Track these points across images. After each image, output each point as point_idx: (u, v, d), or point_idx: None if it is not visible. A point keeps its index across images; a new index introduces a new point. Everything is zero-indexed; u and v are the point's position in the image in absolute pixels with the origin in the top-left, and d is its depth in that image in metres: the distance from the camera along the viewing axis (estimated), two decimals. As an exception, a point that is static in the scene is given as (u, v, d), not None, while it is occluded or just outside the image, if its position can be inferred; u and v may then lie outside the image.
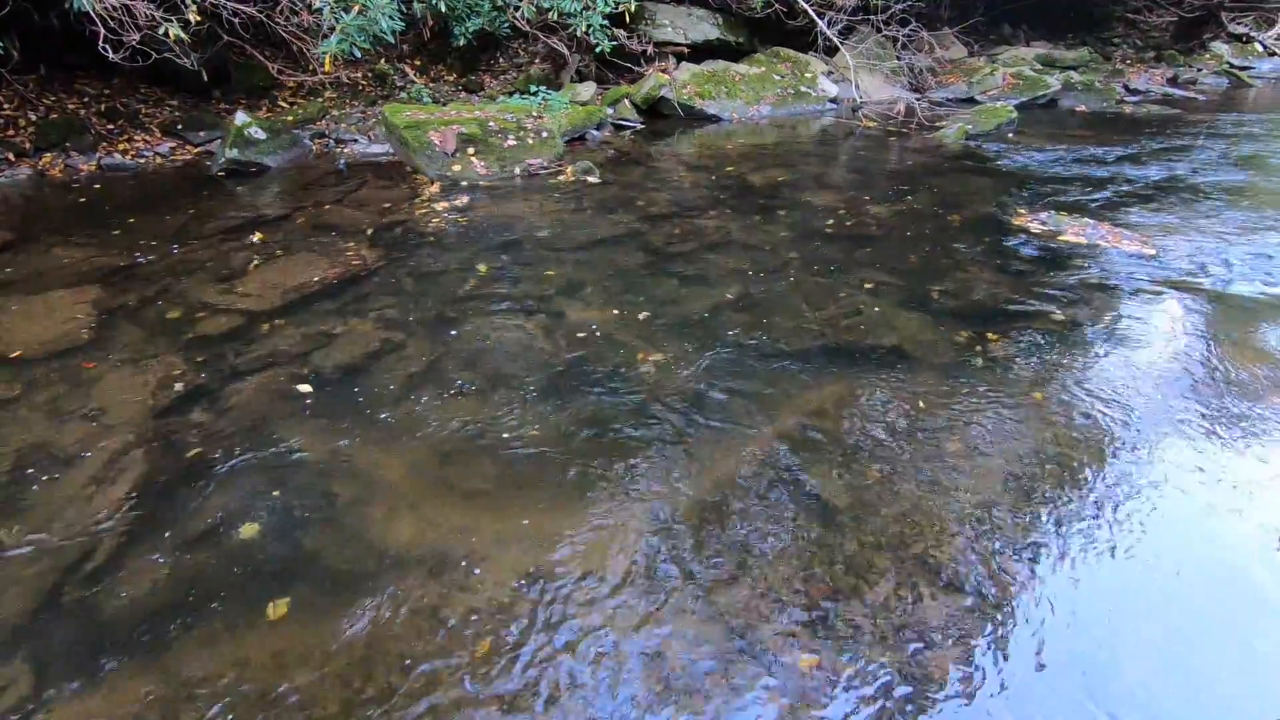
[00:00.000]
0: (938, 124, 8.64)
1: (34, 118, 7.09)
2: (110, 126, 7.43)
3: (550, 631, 2.21)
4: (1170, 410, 3.27)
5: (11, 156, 6.72)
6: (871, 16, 9.60)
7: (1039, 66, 11.27)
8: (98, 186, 6.35)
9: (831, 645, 2.18)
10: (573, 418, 3.20)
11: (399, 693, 2.02)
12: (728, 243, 5.12)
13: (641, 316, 4.06)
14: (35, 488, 2.74)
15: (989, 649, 2.18)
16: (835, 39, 9.31)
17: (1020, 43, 13.83)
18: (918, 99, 9.45)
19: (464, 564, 2.45)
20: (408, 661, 2.11)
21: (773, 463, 2.93)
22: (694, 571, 2.43)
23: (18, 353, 3.63)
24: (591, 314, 4.08)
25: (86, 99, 7.56)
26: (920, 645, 2.18)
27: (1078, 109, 10.12)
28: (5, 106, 7.07)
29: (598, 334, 3.86)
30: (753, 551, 2.51)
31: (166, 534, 2.55)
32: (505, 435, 3.09)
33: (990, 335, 3.82)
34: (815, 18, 9.22)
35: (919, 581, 2.40)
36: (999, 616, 2.29)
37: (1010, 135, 8.32)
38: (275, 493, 2.75)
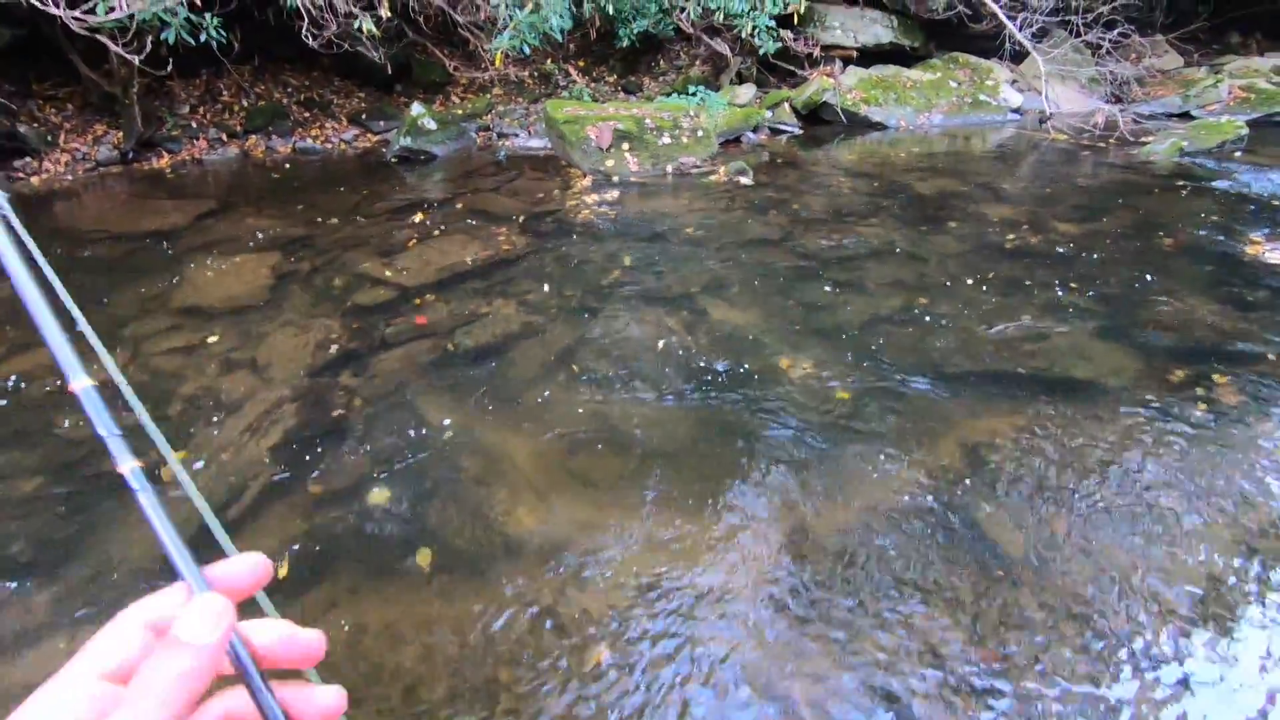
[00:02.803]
0: (1143, 139, 7.60)
1: (245, 104, 7.92)
2: (306, 114, 8.16)
3: (664, 653, 2.00)
4: None
5: (225, 137, 7.54)
6: (1071, 19, 8.63)
7: (1278, 79, 9.66)
8: (288, 166, 6.95)
9: (1002, 725, 1.80)
10: (707, 421, 2.98)
11: (503, 689, 1.89)
12: (889, 252, 4.69)
13: (789, 322, 3.77)
14: (199, 429, 2.92)
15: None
16: (1027, 42, 8.46)
17: (1251, 53, 11.99)
18: (1120, 111, 8.36)
19: (582, 561, 2.30)
20: (517, 658, 1.98)
21: (932, 496, 2.55)
22: (831, 608, 2.13)
23: (207, 305, 3.96)
24: (735, 315, 3.85)
25: (290, 89, 8.36)
26: (1120, 745, 1.76)
27: (1327, 128, 8.54)
28: (224, 93, 7.95)
29: (741, 336, 3.62)
30: (903, 595, 2.17)
31: (304, 489, 2.61)
32: (635, 432, 2.93)
33: (1217, 377, 3.17)
34: (1005, 19, 8.42)
35: (1117, 662, 1.95)
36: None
37: (1237, 154, 7.13)
38: (407, 462, 2.75)
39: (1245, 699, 1.86)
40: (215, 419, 2.98)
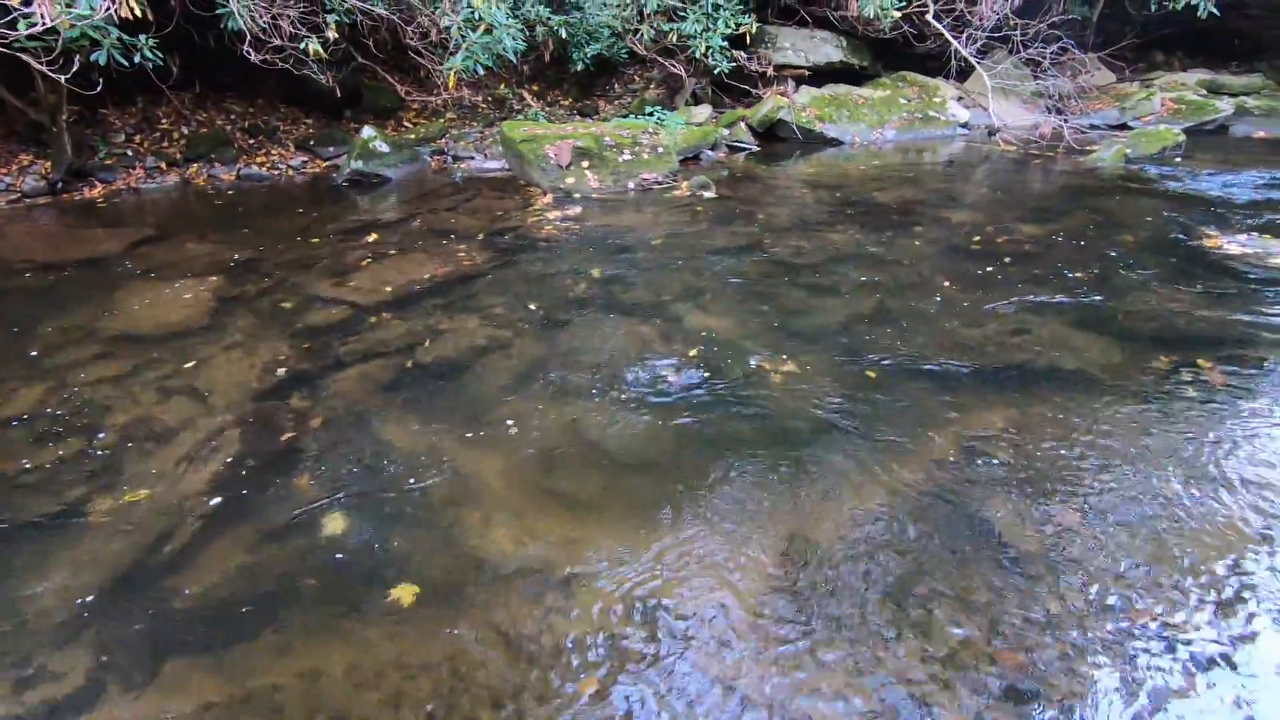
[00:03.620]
0: (1088, 148, 7.83)
1: (186, 131, 7.59)
2: (251, 141, 7.86)
3: (662, 679, 1.79)
4: None
5: (163, 166, 7.18)
6: (1013, 34, 8.92)
7: (1204, 92, 10.14)
8: (232, 193, 6.64)
9: (1044, 735, 1.64)
10: (690, 429, 2.80)
11: (486, 732, 1.65)
12: (859, 256, 4.63)
13: (767, 325, 3.64)
14: (131, 461, 2.61)
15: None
16: (973, 58, 8.70)
17: (1175, 68, 12.63)
18: (1064, 123, 8.63)
19: (566, 584, 2.08)
20: (500, 696, 1.74)
21: (933, 494, 2.41)
22: (837, 619, 1.95)
23: (139, 332, 3.64)
24: (711, 321, 3.70)
25: (233, 116, 8.05)
26: (1171, 749, 1.61)
27: (1256, 135, 8.96)
28: (163, 121, 7.61)
29: (719, 342, 3.47)
30: (914, 600, 2.01)
31: (249, 521, 2.33)
32: (615, 445, 2.73)
33: (1202, 361, 3.13)
34: (951, 38, 8.65)
35: (1154, 658, 1.81)
36: (1280, 720, 1.67)
37: (1178, 159, 7.39)
38: (367, 486, 2.50)
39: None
40: (149, 449, 2.68)
